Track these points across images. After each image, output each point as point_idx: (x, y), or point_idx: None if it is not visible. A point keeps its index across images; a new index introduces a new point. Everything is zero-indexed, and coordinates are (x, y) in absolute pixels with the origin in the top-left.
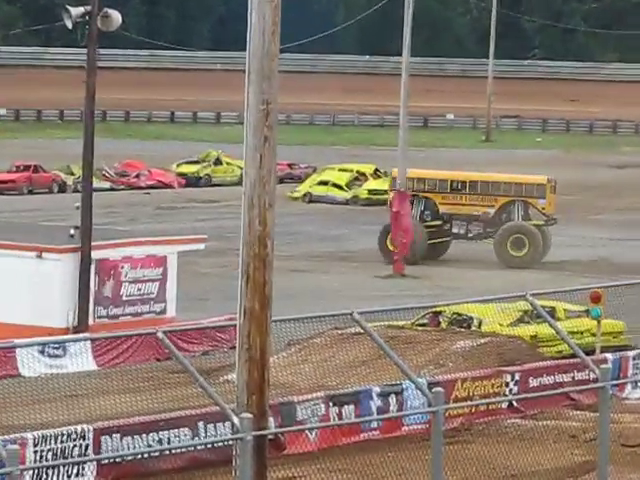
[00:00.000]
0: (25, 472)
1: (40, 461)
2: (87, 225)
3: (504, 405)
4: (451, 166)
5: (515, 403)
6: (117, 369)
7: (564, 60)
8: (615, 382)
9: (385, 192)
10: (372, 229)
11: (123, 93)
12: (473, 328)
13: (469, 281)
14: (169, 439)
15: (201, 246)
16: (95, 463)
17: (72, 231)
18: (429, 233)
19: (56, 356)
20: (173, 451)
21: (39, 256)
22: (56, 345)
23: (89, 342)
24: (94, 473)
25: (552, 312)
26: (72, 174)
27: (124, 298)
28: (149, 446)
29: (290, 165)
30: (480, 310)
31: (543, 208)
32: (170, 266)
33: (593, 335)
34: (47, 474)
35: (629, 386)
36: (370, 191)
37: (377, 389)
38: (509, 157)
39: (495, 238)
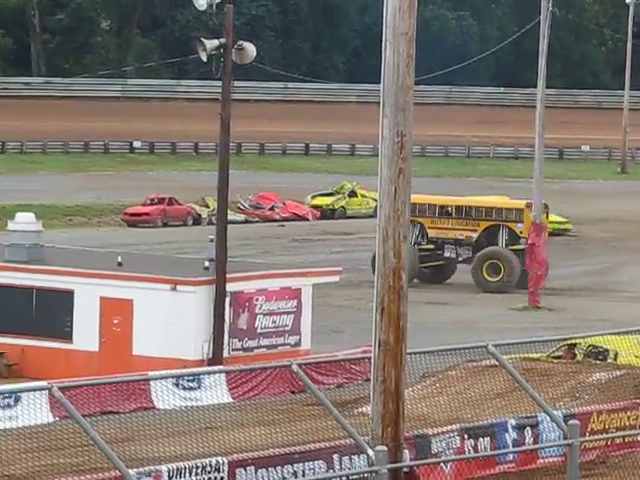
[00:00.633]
0: None
1: None
2: (222, 257)
3: None
4: (586, 198)
5: None
6: (252, 401)
7: None
8: None
9: None
10: None
11: (258, 125)
12: (609, 360)
13: (604, 312)
14: (304, 472)
15: (336, 278)
16: None
17: (207, 263)
18: (421, 257)
19: (191, 388)
20: None
21: (174, 289)
22: (191, 377)
23: (224, 374)
24: None
25: None
26: (207, 207)
27: (259, 330)
28: (284, 479)
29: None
30: (616, 342)
31: (521, 232)
32: (305, 298)
33: None
34: None
35: None
36: None
37: (513, 421)
38: None
39: (472, 263)
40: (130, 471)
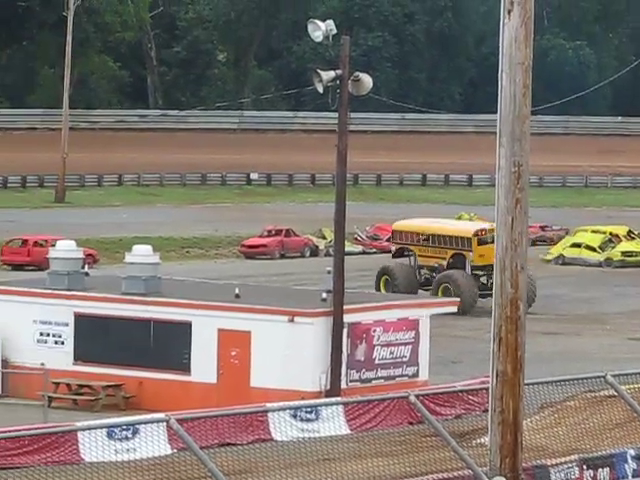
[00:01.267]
0: None
1: None
2: (339, 289)
3: None
4: None
5: None
6: (370, 433)
7: None
8: None
9: (639, 254)
10: (626, 291)
11: (374, 156)
12: None
13: None
14: None
15: (453, 309)
16: None
17: (324, 295)
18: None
19: (308, 420)
20: None
21: (292, 320)
22: (309, 409)
23: (342, 406)
24: None
25: None
26: (324, 238)
27: (376, 362)
28: None
29: (542, 227)
30: None
31: (472, 260)
32: (422, 329)
33: None
34: None
35: None
36: (624, 253)
37: (632, 452)
38: None
39: (432, 288)
40: None
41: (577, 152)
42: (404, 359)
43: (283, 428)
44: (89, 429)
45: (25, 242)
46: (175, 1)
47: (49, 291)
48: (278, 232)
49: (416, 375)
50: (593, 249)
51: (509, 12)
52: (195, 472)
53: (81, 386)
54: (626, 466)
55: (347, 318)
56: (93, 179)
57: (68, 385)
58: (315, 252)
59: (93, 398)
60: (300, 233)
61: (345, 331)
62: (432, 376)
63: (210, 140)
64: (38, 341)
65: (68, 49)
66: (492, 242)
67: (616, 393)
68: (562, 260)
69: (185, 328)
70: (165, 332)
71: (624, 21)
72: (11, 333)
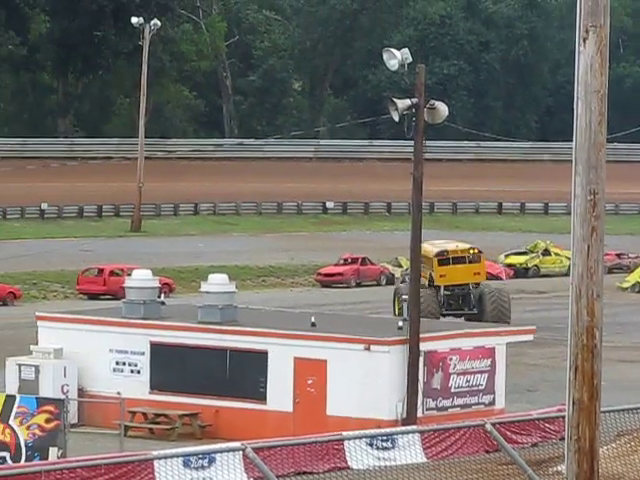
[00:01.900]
0: None
1: None
2: (415, 317)
3: None
4: None
5: None
6: (446, 461)
7: None
8: None
9: None
10: None
11: (450, 185)
12: None
13: None
14: None
15: (530, 337)
16: None
17: (400, 323)
18: None
19: (385, 448)
20: None
21: (368, 349)
22: (385, 437)
23: (418, 434)
24: None
25: None
26: (400, 266)
27: (453, 390)
28: None
29: (619, 255)
30: None
31: (434, 280)
32: (499, 357)
33: None
34: None
35: None
36: None
37: None
38: None
39: None
40: None
41: None
42: (480, 387)
43: (359, 456)
44: (165, 458)
45: (101, 271)
46: (251, 30)
47: (125, 320)
48: (354, 260)
49: (492, 403)
50: None
51: (584, 40)
52: None
53: (157, 415)
54: None
55: (423, 346)
56: (169, 208)
57: (144, 414)
58: (391, 280)
59: (169, 427)
60: (376, 261)
61: (421, 359)
62: (508, 404)
63: (286, 169)
64: (114, 370)
65: (143, 78)
66: (455, 263)
67: None
68: (638, 288)
69: (261, 357)
70: (241, 361)
71: None
72: (88, 362)
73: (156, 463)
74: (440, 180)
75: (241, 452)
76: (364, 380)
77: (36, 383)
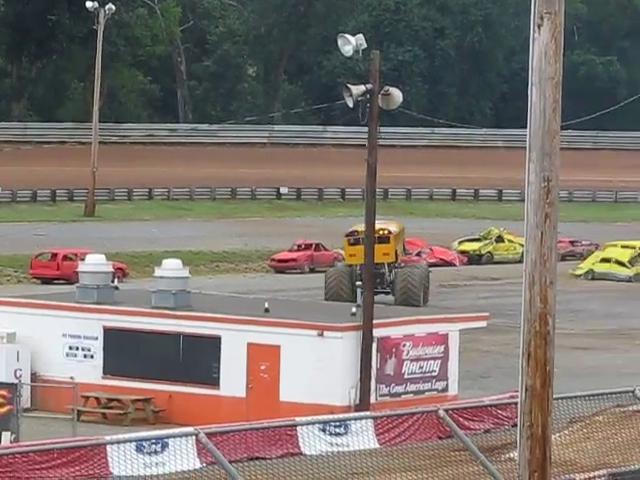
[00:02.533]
0: None
1: None
2: (369, 303)
3: None
4: None
5: None
6: (399, 447)
7: None
8: None
9: None
10: None
11: (404, 171)
12: None
13: None
14: None
15: (483, 324)
16: None
17: (354, 309)
18: None
19: (338, 434)
20: None
21: (321, 335)
22: (338, 423)
23: (371, 420)
24: None
25: None
26: None
27: (406, 376)
28: None
29: (572, 242)
30: None
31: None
32: (452, 344)
33: None
34: None
35: None
36: None
37: None
38: None
39: None
40: None
41: (607, 167)
42: (433, 373)
43: (312, 442)
44: (118, 443)
45: (54, 256)
46: (205, 15)
47: (78, 305)
48: (308, 246)
49: (445, 389)
50: (623, 264)
51: (539, 27)
52: None
53: (110, 400)
54: None
55: (376, 332)
56: (123, 193)
57: (97, 399)
58: None
59: (122, 412)
60: (330, 247)
61: (374, 345)
62: (461, 391)
63: (240, 154)
64: (67, 355)
65: (98, 63)
66: (363, 243)
67: None
68: (592, 275)
69: (215, 342)
70: (194, 346)
71: None
72: (41, 347)
73: (109, 448)
74: (394, 166)
75: (194, 437)
76: (317, 366)
77: None
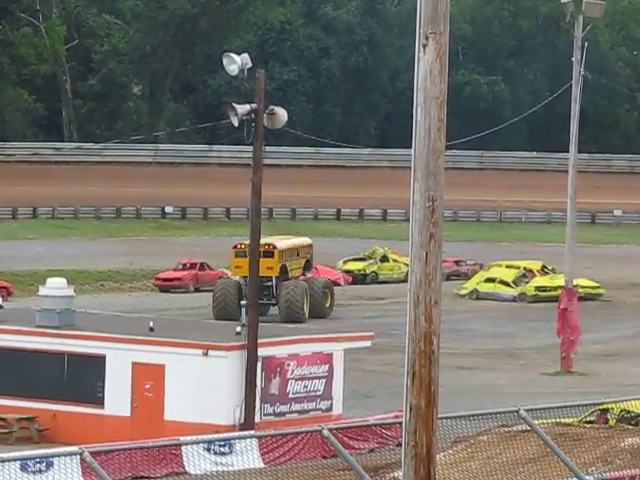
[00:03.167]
0: None
1: None
2: (253, 322)
3: None
4: (619, 263)
5: None
6: (284, 467)
7: None
8: None
9: (553, 289)
10: (540, 326)
11: (289, 190)
12: None
13: (637, 377)
14: None
15: (368, 343)
16: None
17: (238, 329)
18: None
19: (222, 453)
20: None
21: (206, 354)
22: (222, 442)
23: (256, 440)
24: None
25: None
26: None
27: (290, 395)
28: None
29: (457, 262)
30: None
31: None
32: (336, 363)
33: None
34: None
35: None
36: (538, 288)
37: None
38: None
39: None
40: None
41: (492, 187)
42: (318, 393)
43: (197, 461)
44: (2, 461)
45: None
46: (90, 34)
47: None
48: (193, 265)
49: (330, 409)
50: (507, 284)
51: (424, 47)
52: None
53: None
54: None
55: (261, 352)
56: (7, 212)
57: None
58: None
59: (7, 431)
60: (214, 266)
61: (259, 365)
62: (346, 410)
63: (125, 173)
64: None
65: None
66: (247, 256)
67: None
68: (476, 295)
69: (99, 361)
70: (79, 365)
71: (539, 57)
72: None
73: None
74: (279, 186)
75: (79, 456)
76: (202, 385)
77: None
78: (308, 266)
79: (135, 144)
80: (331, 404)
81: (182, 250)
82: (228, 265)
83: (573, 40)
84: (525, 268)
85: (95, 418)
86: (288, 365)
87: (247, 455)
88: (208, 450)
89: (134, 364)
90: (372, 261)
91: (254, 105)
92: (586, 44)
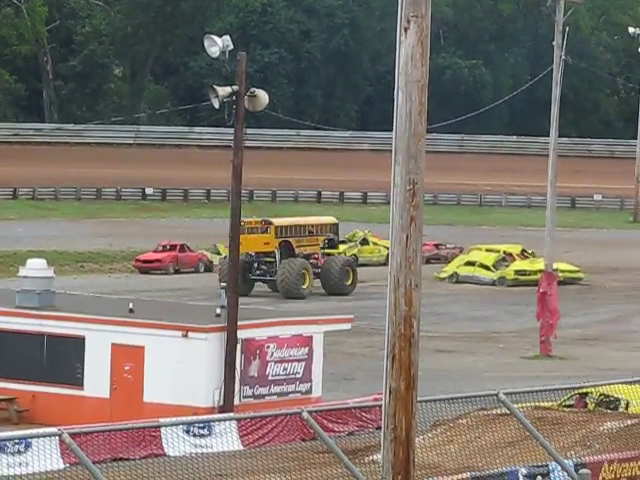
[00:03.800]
0: None
1: None
2: (233, 305)
3: None
4: (598, 247)
5: None
6: (263, 449)
7: None
8: None
9: (533, 273)
10: (519, 310)
11: (270, 173)
12: (620, 410)
13: (616, 362)
14: None
15: (347, 326)
16: None
17: (218, 310)
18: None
19: (201, 435)
20: None
21: (185, 335)
22: (202, 425)
23: (235, 422)
24: None
25: None
26: (218, 253)
27: (270, 378)
28: None
29: (437, 245)
30: (627, 391)
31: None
32: (316, 346)
33: None
34: None
35: None
36: (517, 272)
37: (523, 470)
38: None
39: None
40: None
41: (472, 170)
42: (297, 375)
43: (176, 443)
44: None
45: None
46: (72, 15)
47: None
48: (172, 247)
49: (309, 392)
50: (487, 268)
51: (406, 30)
52: None
53: None
54: None
55: (241, 334)
56: None
57: None
58: (209, 267)
59: None
60: (194, 248)
61: (239, 347)
62: (325, 393)
63: (105, 154)
64: None
65: None
66: (249, 233)
67: (508, 411)
68: (456, 278)
69: (78, 342)
70: (58, 346)
71: (520, 41)
72: None
73: None
74: (260, 168)
75: (57, 437)
76: (181, 367)
77: None
78: (332, 244)
79: (116, 125)
80: (310, 387)
81: (162, 232)
82: (208, 247)
83: (554, 24)
84: (505, 252)
85: (74, 399)
86: (268, 347)
87: (226, 437)
88: (187, 432)
89: (113, 345)
90: (352, 244)
91: (235, 87)
92: (567, 29)
